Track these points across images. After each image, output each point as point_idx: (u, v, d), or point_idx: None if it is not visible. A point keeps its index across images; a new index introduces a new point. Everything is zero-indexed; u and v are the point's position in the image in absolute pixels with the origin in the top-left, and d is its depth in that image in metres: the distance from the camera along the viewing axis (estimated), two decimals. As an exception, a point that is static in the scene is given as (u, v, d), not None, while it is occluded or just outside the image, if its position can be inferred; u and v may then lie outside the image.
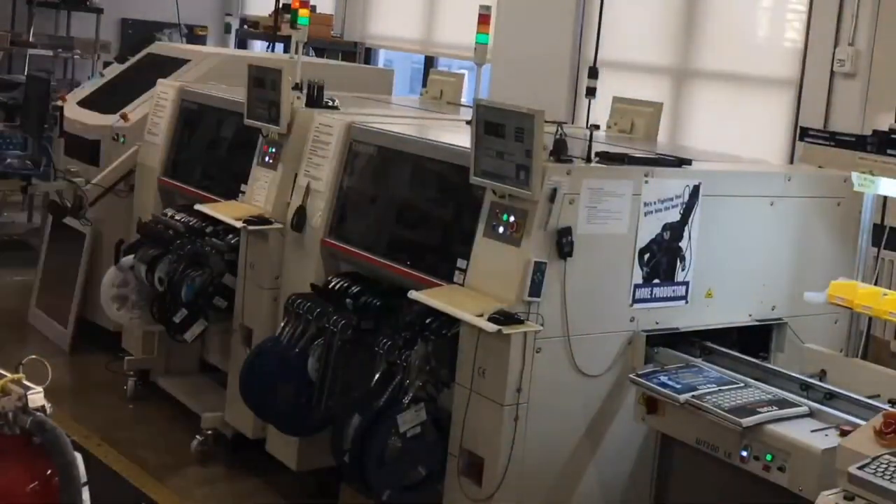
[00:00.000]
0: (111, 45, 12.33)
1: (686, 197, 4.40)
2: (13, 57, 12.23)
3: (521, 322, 3.95)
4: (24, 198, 9.37)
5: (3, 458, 2.60)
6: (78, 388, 6.26)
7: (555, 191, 4.03)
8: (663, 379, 4.02)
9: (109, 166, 6.73)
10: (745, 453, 3.75)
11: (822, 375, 4.38)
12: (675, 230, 4.39)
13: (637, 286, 4.32)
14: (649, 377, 4.05)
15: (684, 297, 4.47)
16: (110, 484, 5.09)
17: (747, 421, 3.71)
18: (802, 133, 5.04)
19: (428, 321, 4.26)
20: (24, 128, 7.48)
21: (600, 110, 6.14)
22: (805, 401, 3.94)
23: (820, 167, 4.95)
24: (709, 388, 3.95)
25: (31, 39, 12.11)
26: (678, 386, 3.95)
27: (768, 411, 3.79)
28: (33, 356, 2.77)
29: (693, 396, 3.86)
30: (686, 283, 4.46)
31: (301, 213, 5.10)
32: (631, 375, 4.13)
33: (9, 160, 7.36)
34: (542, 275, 4.00)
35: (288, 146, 5.38)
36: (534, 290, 3.99)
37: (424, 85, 7.51)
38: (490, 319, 3.89)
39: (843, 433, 3.57)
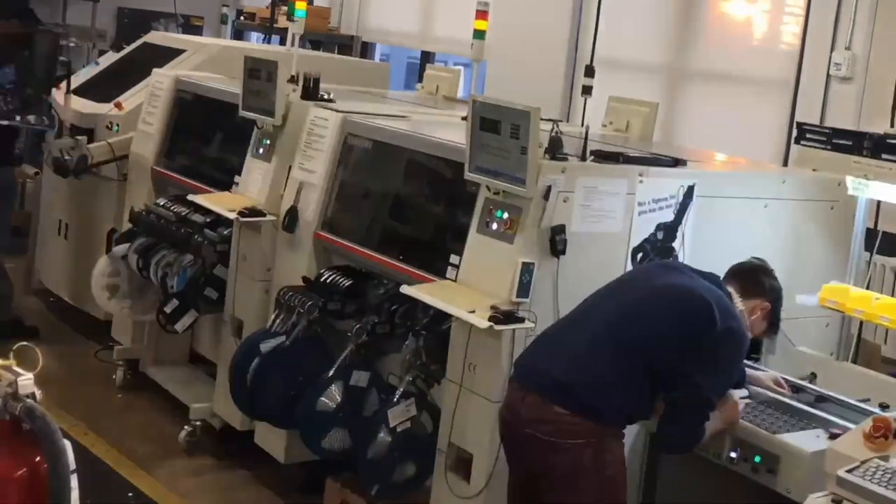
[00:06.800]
0: (107, 33, 12.28)
1: (680, 197, 4.38)
2: (8, 44, 12.18)
3: (521, 321, 3.93)
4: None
5: (-7, 443, 2.59)
6: (67, 377, 6.23)
7: (549, 188, 4.02)
8: (654, 379, 4.00)
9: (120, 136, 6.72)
10: (734, 455, 3.75)
11: (812, 378, 4.39)
12: (669, 230, 4.38)
13: (630, 285, 4.30)
14: (640, 377, 4.04)
15: (676, 298, 4.45)
16: (97, 473, 5.07)
17: (737, 422, 3.71)
18: (800, 130, 5.03)
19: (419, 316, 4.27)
20: (29, 83, 7.25)
21: (596, 108, 6.13)
22: (795, 403, 3.95)
23: (814, 170, 4.94)
24: (699, 388, 3.94)
25: (26, 26, 12.06)
26: (669, 386, 3.93)
27: (758, 413, 3.79)
28: (24, 342, 2.76)
29: (683, 397, 3.85)
30: (678, 284, 4.44)
31: (293, 213, 5.08)
32: (622, 374, 4.11)
33: (19, 118, 7.17)
34: (529, 276, 3.97)
35: (282, 138, 5.37)
36: (522, 291, 3.97)
37: (421, 80, 7.49)
38: (491, 318, 3.87)
39: (833, 436, 3.58)
